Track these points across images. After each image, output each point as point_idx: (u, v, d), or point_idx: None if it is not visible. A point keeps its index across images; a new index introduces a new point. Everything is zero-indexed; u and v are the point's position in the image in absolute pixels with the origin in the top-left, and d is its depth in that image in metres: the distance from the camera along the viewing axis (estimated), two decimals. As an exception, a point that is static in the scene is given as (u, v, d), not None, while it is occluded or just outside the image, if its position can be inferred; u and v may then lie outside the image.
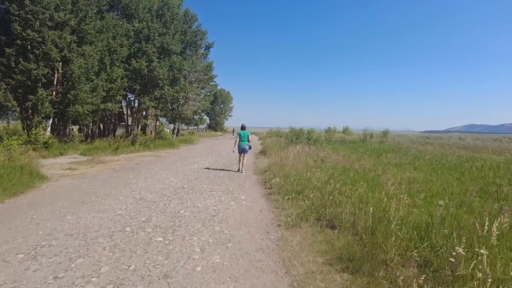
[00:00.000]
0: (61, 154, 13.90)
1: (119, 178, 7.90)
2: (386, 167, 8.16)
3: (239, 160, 9.39)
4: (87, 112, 15.61)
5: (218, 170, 9.52)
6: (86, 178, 8.00)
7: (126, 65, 19.10)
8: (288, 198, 5.06)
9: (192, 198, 5.64)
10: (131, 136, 19.42)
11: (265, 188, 6.68)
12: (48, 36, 13.79)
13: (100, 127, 22.08)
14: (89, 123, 18.23)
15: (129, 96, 23.06)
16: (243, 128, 9.73)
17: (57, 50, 14.23)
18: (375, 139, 23.17)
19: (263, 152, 14.59)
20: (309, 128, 22.29)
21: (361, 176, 6.31)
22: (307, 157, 9.15)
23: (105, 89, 16.76)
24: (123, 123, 25.02)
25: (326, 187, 5.08)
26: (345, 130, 34.26)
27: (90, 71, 15.38)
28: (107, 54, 16.99)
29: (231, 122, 72.26)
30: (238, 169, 9.37)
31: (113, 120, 22.23)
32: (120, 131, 23.93)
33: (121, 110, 23.93)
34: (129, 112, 23.45)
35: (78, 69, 14.66)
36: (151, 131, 25.60)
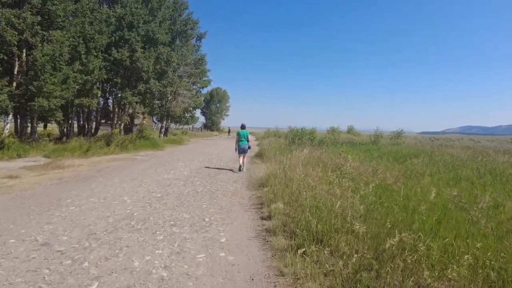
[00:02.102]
0: (19, 156, 11.59)
1: (52, 195, 5.50)
2: (434, 181, 5.84)
3: (239, 159, 9.28)
4: (54, 107, 13.21)
5: (199, 182, 7.06)
6: (8, 195, 5.62)
7: (106, 55, 16.68)
8: (304, 251, 2.68)
9: (132, 245, 3.20)
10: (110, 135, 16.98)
11: (261, 219, 4.20)
12: (1, 14, 11.42)
13: (80, 125, 19.68)
14: (61, 120, 15.78)
15: (115, 92, 20.68)
16: (243, 127, 9.52)
17: (15, 33, 11.86)
18: (385, 140, 20.91)
19: (259, 156, 12.13)
20: (311, 128, 19.97)
21: (418, 203, 3.94)
22: (322, 166, 6.70)
23: (79, 81, 14.36)
24: (110, 122, 22.62)
25: (372, 228, 2.72)
26: (350, 130, 31.35)
27: (58, 59, 12.96)
28: (81, 42, 14.57)
29: (228, 121, 69.78)
30: (239, 169, 9.13)
31: (92, 118, 19.79)
32: (107, 130, 21.56)
33: (108, 106, 21.67)
34: (116, 109, 21.05)
35: (43, 56, 12.25)
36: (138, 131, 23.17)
